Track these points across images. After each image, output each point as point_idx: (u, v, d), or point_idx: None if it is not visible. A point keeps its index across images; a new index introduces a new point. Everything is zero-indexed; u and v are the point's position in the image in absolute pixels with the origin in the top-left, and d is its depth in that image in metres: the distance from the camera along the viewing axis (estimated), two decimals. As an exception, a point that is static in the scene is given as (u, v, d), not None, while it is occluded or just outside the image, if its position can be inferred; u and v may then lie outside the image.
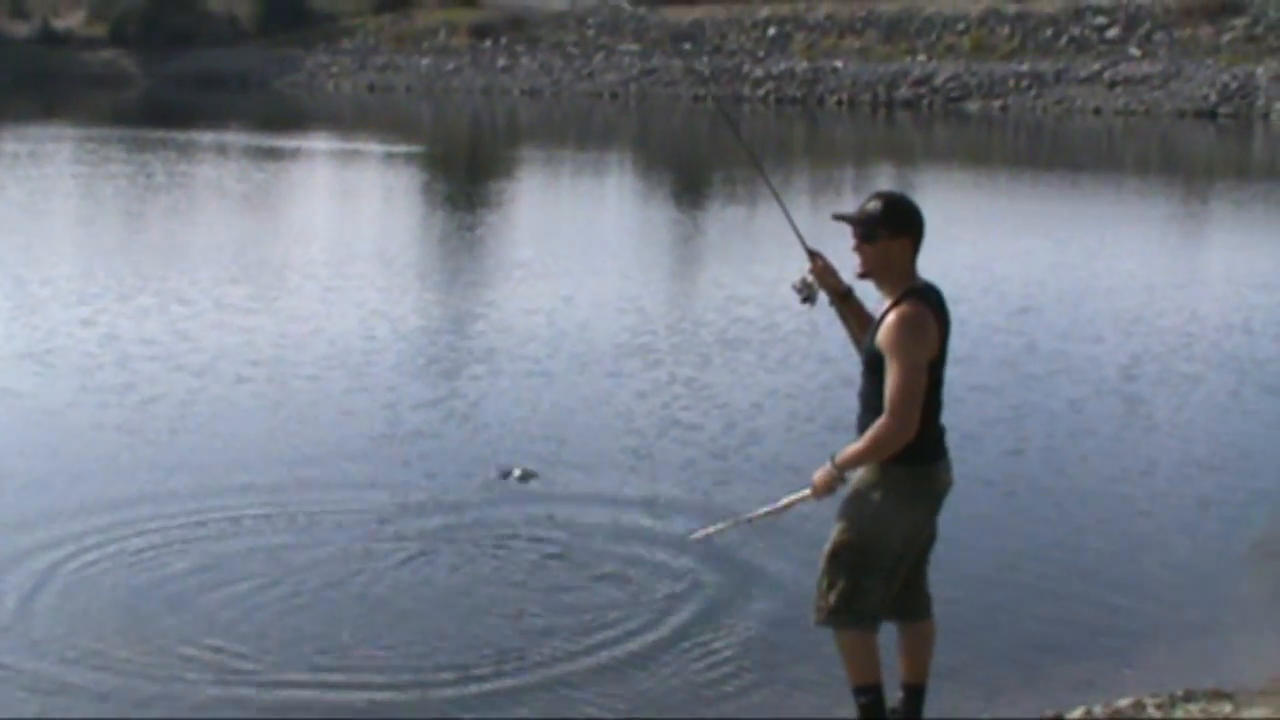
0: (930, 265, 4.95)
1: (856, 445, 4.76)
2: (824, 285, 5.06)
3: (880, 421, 4.68)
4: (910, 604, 5.04)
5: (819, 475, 4.86)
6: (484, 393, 10.19)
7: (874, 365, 4.78)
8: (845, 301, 5.08)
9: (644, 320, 12.65)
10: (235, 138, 39.44)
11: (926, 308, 4.73)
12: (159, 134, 38.67)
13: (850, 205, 4.90)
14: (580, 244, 18.17)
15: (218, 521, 7.34)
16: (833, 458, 4.82)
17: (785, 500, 5.09)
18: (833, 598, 4.84)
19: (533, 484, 8.11)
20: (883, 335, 4.70)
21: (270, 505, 7.63)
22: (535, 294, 14.09)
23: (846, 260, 4.95)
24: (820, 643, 5.30)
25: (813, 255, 5.10)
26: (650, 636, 6.12)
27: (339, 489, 7.98)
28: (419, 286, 14.72)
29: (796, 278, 5.05)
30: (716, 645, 6.08)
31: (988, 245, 17.86)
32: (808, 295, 5.03)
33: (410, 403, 9.82)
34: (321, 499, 7.76)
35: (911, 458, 4.75)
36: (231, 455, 8.59)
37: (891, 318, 4.71)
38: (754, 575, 6.87)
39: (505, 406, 9.87)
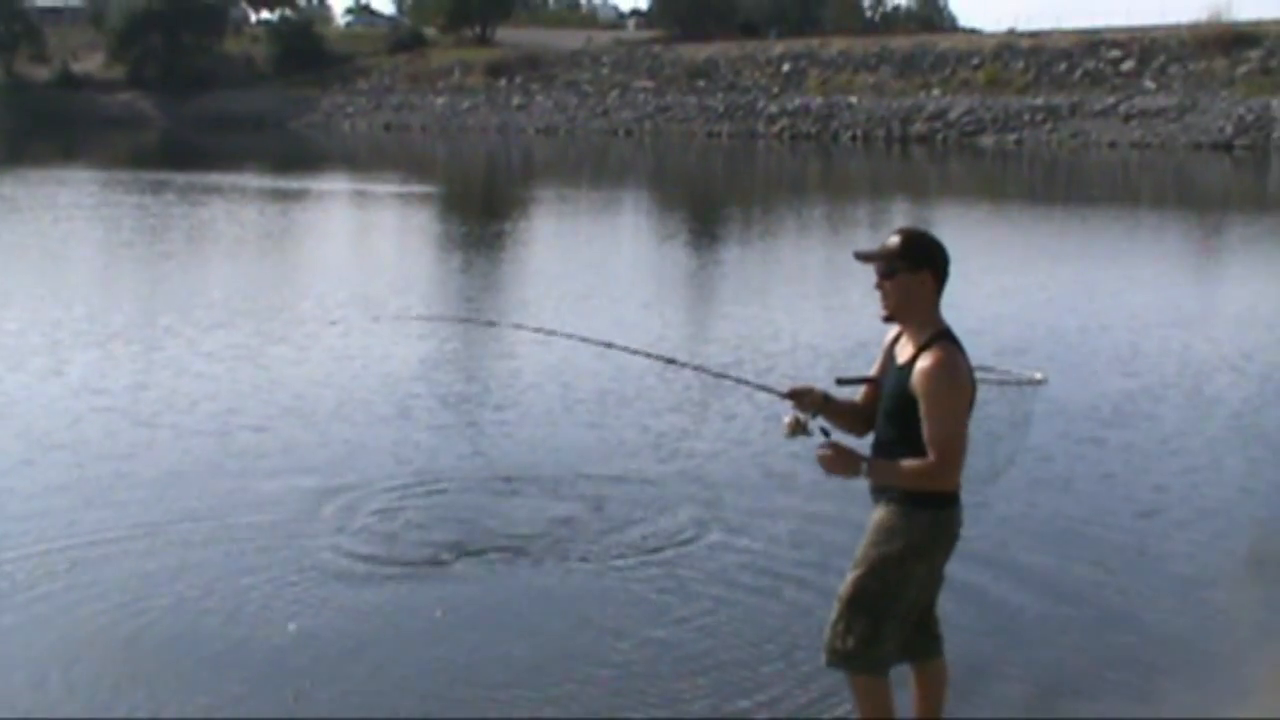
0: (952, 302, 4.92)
1: (894, 464, 4.63)
2: (809, 409, 4.87)
3: (929, 461, 4.55)
4: (922, 644, 4.98)
5: (845, 457, 4.66)
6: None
7: (904, 409, 4.64)
8: (828, 408, 4.90)
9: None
10: (251, 179, 39.69)
11: (960, 352, 4.64)
12: (176, 176, 38.98)
13: (866, 242, 4.88)
14: (593, 283, 18.15)
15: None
16: (870, 460, 4.70)
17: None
18: (850, 642, 4.77)
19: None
20: (920, 380, 4.57)
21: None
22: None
23: (872, 304, 4.90)
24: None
25: (790, 396, 4.91)
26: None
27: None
28: (432, 329, 14.70)
29: (784, 423, 4.86)
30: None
31: (1009, 280, 17.89)
32: (801, 431, 4.84)
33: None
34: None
35: (939, 501, 4.67)
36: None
37: (928, 363, 4.58)
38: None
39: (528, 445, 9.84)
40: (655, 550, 7.55)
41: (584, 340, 6.33)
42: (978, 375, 4.80)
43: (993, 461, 8.74)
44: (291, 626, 6.44)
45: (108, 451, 9.38)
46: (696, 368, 6.05)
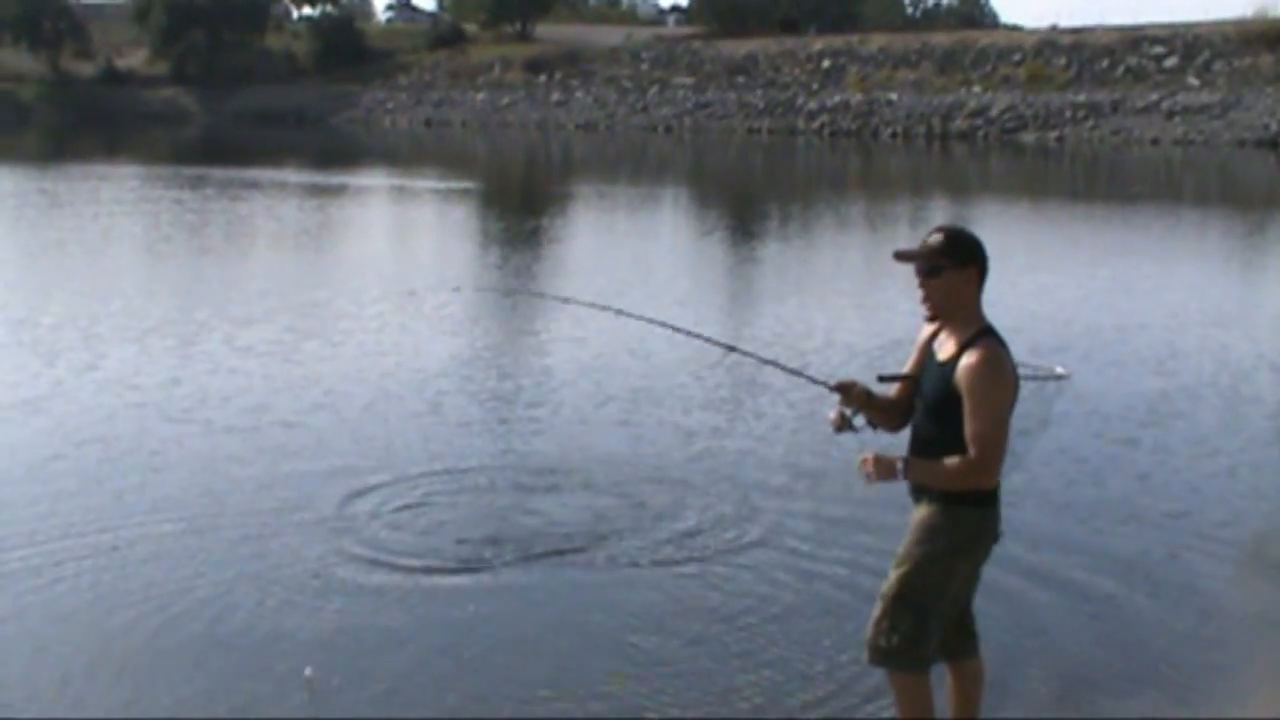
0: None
1: (933, 464, 4.63)
2: (853, 404, 4.91)
3: (970, 457, 4.55)
4: (960, 644, 4.98)
5: (883, 465, 4.68)
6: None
7: (948, 405, 4.62)
8: (870, 403, 4.92)
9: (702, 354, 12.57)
10: (292, 174, 39.91)
11: (1004, 349, 4.62)
12: (215, 171, 39.24)
13: (907, 239, 4.85)
14: (629, 280, 18.13)
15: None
16: (907, 461, 4.71)
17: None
18: (896, 640, 4.76)
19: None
20: (964, 376, 4.55)
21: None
22: (586, 328, 14.06)
23: (907, 302, 4.87)
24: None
25: (837, 389, 4.94)
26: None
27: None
28: (478, 318, 14.72)
29: (830, 418, 4.93)
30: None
31: (1047, 278, 17.76)
32: (846, 426, 4.92)
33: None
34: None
35: (980, 499, 4.67)
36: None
37: (974, 360, 4.56)
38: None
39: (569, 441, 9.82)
40: (692, 548, 7.53)
41: (644, 320, 6.36)
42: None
43: (1011, 454, 8.68)
44: (325, 621, 6.46)
45: (137, 447, 9.43)
46: (751, 355, 5.99)
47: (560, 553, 7.43)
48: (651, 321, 6.33)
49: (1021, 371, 4.83)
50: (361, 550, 7.39)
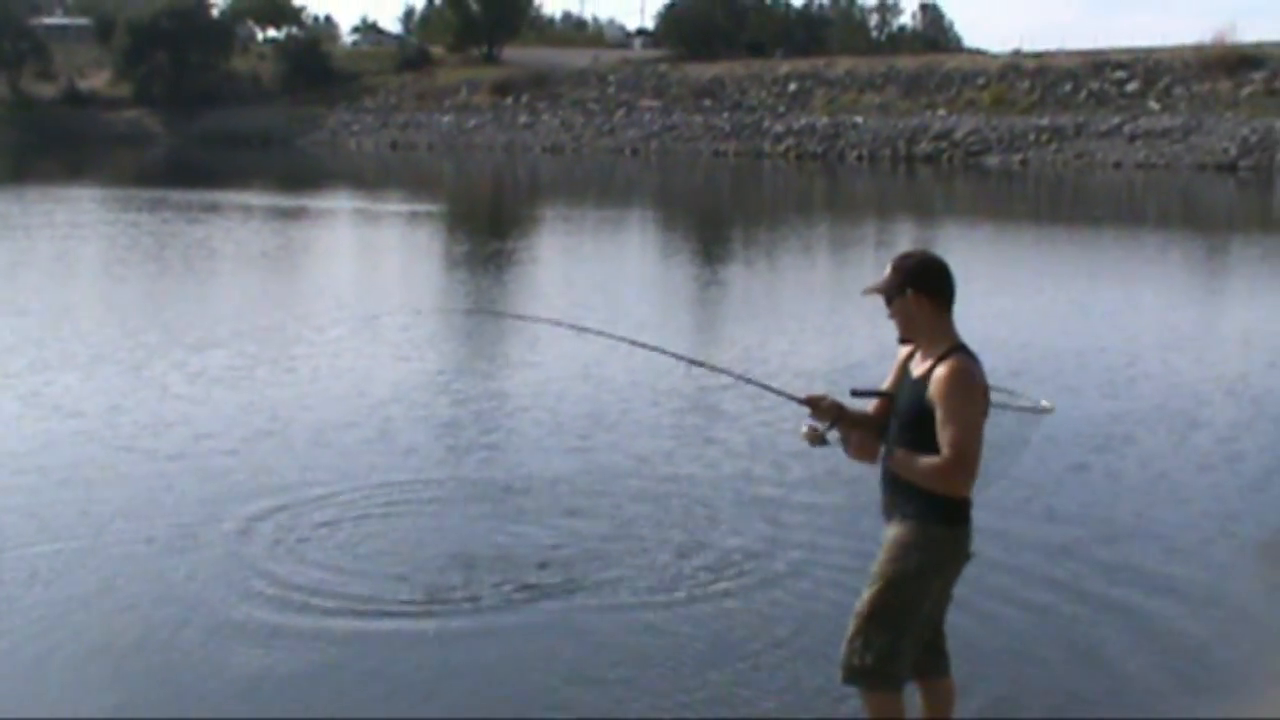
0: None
1: (912, 456, 4.70)
2: (825, 418, 4.95)
3: (944, 459, 4.63)
4: (930, 663, 5.02)
5: (865, 444, 4.92)
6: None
7: (922, 419, 4.70)
8: (844, 417, 4.95)
9: (666, 378, 12.45)
10: (254, 197, 39.66)
11: (976, 365, 4.74)
12: (173, 194, 38.92)
13: (871, 262, 4.85)
14: (593, 304, 18.00)
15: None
16: (887, 447, 4.84)
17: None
18: (869, 658, 4.79)
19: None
20: (936, 388, 4.67)
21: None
22: (554, 352, 13.92)
23: (869, 325, 4.79)
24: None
25: (807, 403, 5.00)
26: None
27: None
28: (437, 343, 14.56)
29: (803, 432, 4.97)
30: None
31: (1007, 303, 17.71)
32: (819, 440, 4.96)
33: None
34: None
35: (953, 518, 4.75)
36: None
37: (944, 372, 4.68)
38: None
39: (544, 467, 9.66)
40: (652, 582, 7.34)
41: (612, 338, 6.42)
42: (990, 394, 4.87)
43: (984, 473, 8.60)
44: (246, 665, 6.25)
45: (72, 477, 9.18)
46: (721, 370, 6.08)
47: (510, 587, 7.21)
48: (618, 339, 6.32)
49: (998, 398, 4.91)
50: (272, 589, 7.09)
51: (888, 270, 4.87)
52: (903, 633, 4.78)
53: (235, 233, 28.78)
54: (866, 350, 13.84)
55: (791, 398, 5.15)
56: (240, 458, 9.73)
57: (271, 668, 6.18)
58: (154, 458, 9.70)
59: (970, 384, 4.68)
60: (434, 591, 7.11)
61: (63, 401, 11.42)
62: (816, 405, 4.95)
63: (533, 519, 8.41)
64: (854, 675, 4.87)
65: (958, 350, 4.76)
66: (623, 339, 6.27)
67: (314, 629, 6.62)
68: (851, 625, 4.86)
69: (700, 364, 6.11)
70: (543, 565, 7.53)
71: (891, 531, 4.83)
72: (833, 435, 4.94)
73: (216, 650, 6.36)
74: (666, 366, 13.07)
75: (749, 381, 5.73)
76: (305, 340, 14.71)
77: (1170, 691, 6.14)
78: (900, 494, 4.80)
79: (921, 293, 4.79)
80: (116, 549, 7.73)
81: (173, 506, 8.54)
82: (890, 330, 4.95)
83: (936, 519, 4.73)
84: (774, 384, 5.61)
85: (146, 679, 6.10)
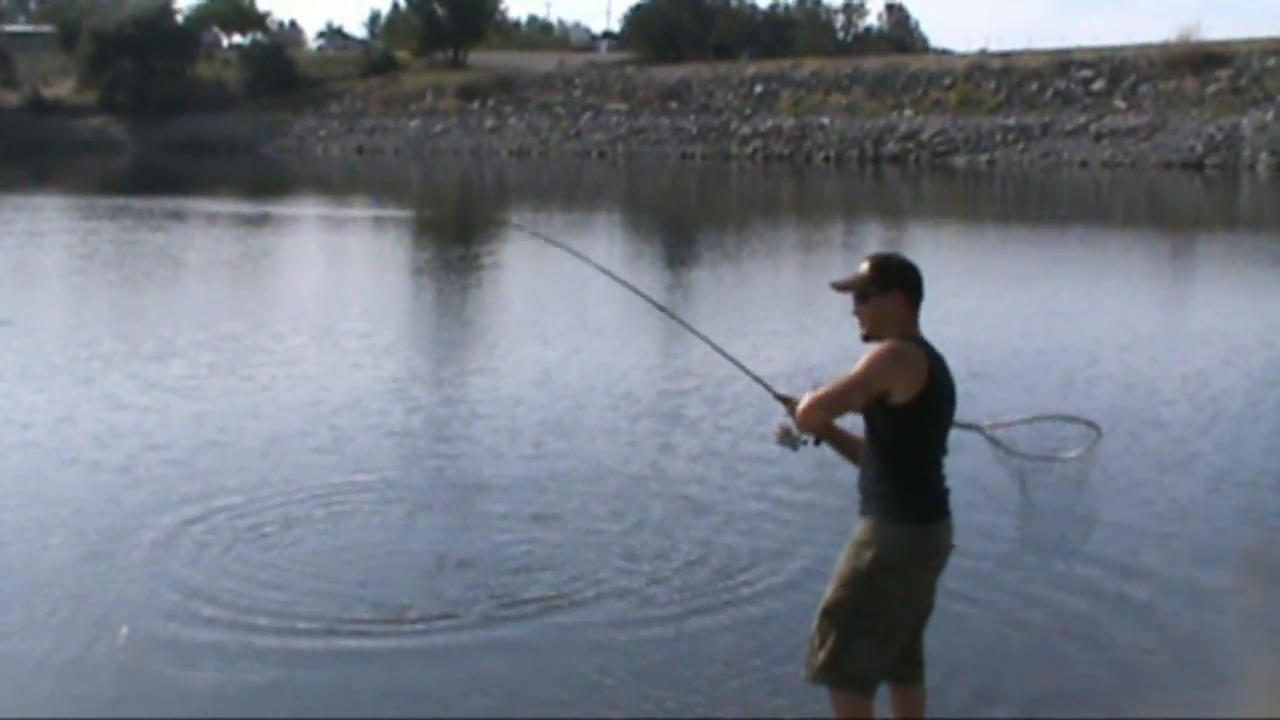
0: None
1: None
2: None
3: (806, 397, 4.75)
4: (903, 670, 4.95)
5: (784, 422, 4.97)
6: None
7: (873, 408, 4.70)
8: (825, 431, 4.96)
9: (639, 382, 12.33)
10: (218, 204, 39.37)
11: (918, 348, 4.69)
12: (136, 201, 38.58)
13: (839, 262, 4.78)
14: (557, 308, 17.89)
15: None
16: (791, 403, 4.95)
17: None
18: (822, 656, 4.76)
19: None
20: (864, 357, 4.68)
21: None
22: (503, 359, 13.80)
23: (833, 328, 4.73)
24: None
25: (781, 399, 5.04)
26: None
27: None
28: (403, 353, 14.41)
29: (774, 431, 4.98)
30: None
31: (971, 304, 17.66)
32: (791, 442, 4.95)
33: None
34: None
35: (906, 516, 4.68)
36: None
37: (877, 346, 4.70)
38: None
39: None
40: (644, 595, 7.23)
41: (597, 267, 6.72)
42: (1035, 424, 4.94)
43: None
44: (187, 681, 6.11)
45: (14, 489, 9.02)
46: (704, 338, 6.10)
47: (477, 595, 7.10)
48: (615, 278, 6.55)
49: (1024, 430, 4.96)
50: (195, 602, 6.94)
51: (865, 268, 4.82)
52: (854, 632, 4.70)
53: (197, 240, 28.55)
54: (827, 352, 13.75)
55: (769, 389, 5.21)
56: (187, 467, 9.57)
57: (220, 686, 6.04)
58: (100, 469, 9.53)
59: (891, 357, 4.63)
60: (386, 606, 6.96)
61: (13, 415, 11.22)
62: (789, 404, 4.96)
63: (497, 526, 8.29)
64: (810, 673, 4.83)
65: (907, 338, 4.74)
66: (648, 296, 6.50)
67: (240, 647, 6.45)
68: (813, 622, 4.84)
69: (689, 327, 6.35)
70: (513, 573, 7.43)
71: (854, 530, 4.80)
72: (806, 436, 4.94)
73: (149, 666, 6.20)
74: (625, 369, 13.00)
75: (736, 363, 5.59)
76: (263, 349, 14.53)
77: (1115, 691, 6.10)
78: (861, 492, 4.79)
79: (904, 293, 4.78)
80: (48, 560, 7.58)
81: (113, 517, 8.38)
82: (853, 331, 4.86)
83: (892, 517, 4.68)
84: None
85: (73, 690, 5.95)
